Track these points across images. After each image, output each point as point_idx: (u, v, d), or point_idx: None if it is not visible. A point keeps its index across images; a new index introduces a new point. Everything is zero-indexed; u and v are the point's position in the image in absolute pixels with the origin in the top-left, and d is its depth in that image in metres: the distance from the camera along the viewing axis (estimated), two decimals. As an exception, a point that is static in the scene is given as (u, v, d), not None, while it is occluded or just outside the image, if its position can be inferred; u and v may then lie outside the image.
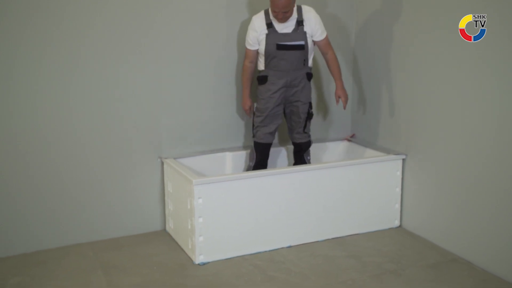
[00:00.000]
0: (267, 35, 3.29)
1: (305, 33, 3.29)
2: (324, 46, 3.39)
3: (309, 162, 3.58)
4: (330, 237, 3.40)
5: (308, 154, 3.59)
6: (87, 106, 3.22)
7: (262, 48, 3.33)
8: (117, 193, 3.39)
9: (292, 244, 3.30)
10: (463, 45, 2.92)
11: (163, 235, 3.49)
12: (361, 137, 3.96)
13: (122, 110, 3.32)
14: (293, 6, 3.23)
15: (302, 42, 3.28)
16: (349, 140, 4.04)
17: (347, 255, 3.17)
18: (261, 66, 3.40)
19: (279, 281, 2.87)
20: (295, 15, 3.28)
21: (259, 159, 3.50)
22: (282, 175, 3.22)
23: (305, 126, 3.48)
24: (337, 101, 3.50)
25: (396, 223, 3.60)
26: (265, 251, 3.22)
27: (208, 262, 3.07)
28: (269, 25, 3.28)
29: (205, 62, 3.53)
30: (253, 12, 3.50)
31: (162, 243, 3.35)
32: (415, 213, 3.47)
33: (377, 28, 3.69)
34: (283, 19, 3.21)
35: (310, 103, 3.49)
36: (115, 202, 3.40)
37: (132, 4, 3.24)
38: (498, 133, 2.80)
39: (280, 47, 3.28)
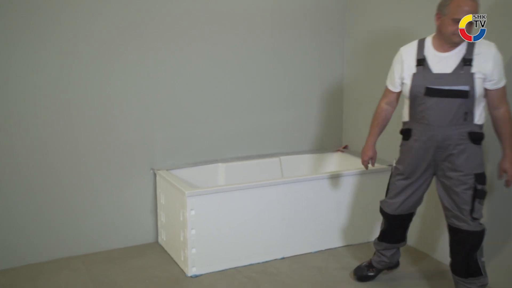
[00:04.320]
0: (414, 74, 2.51)
1: (472, 75, 2.38)
2: (497, 99, 2.43)
3: (483, 271, 2.53)
4: (323, 248, 3.39)
5: (482, 254, 2.53)
6: (79, 118, 3.21)
7: (406, 91, 2.56)
8: (109, 205, 3.37)
9: (285, 255, 3.29)
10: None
11: (156, 247, 3.46)
12: (354, 148, 3.97)
13: (115, 122, 3.31)
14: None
15: (466, 87, 2.38)
16: (341, 151, 4.05)
17: (340, 267, 3.16)
18: (405, 115, 2.63)
19: (272, 293, 2.86)
20: (462, 48, 2.42)
21: (385, 228, 2.85)
22: (275, 187, 3.21)
23: (472, 210, 2.46)
24: (501, 175, 2.50)
25: (389, 234, 3.60)
26: (258, 263, 3.20)
27: (201, 275, 3.05)
28: (421, 61, 2.49)
29: (199, 75, 3.53)
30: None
31: (155, 256, 3.33)
32: (408, 223, 3.47)
33: (368, 45, 3.72)
34: (463, 37, 2.35)
35: (479, 175, 2.46)
36: (107, 214, 3.38)
37: (127, 17, 3.25)
38: (494, 141, 2.82)
39: (431, 92, 2.44)
